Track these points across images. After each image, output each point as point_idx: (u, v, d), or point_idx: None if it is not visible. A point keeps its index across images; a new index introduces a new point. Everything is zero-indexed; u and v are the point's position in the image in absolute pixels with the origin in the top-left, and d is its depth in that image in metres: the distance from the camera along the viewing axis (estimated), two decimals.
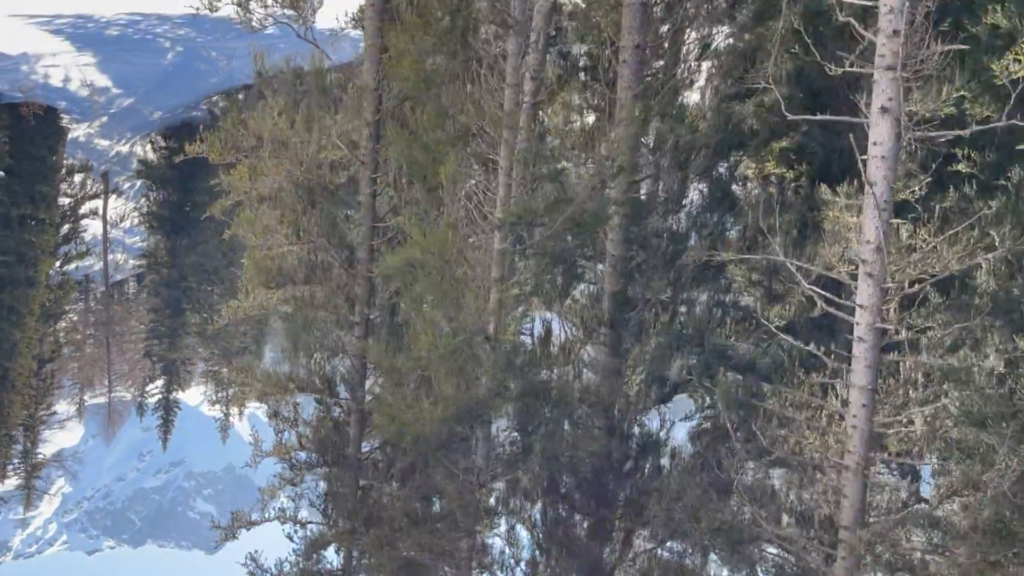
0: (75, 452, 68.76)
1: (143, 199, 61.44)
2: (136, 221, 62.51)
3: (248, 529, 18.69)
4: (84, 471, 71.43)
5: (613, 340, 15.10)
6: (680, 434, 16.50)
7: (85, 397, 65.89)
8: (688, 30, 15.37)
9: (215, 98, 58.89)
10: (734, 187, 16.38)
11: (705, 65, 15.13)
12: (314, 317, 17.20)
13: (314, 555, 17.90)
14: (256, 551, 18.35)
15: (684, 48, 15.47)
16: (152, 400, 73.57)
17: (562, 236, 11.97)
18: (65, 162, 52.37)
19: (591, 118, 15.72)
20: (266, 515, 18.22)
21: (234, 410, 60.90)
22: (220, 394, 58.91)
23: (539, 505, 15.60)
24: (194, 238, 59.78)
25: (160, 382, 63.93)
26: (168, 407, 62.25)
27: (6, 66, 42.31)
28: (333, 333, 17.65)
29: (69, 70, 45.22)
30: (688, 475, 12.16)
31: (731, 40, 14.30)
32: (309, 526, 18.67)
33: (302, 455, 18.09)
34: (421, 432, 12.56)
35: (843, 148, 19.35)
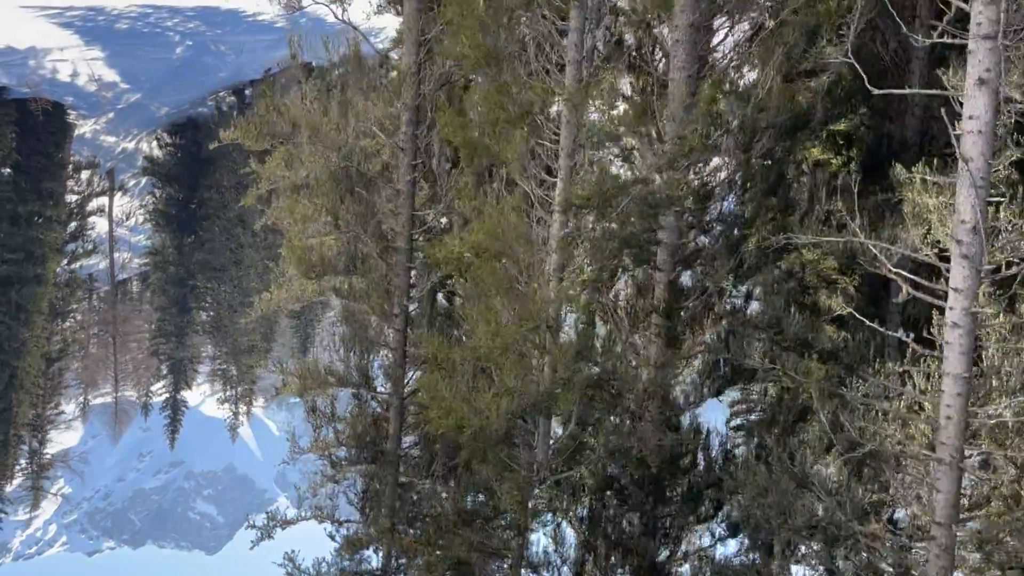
0: (80, 453, 68.19)
1: (149, 196, 60.81)
2: (141, 219, 61.86)
3: (283, 528, 18.09)
4: (84, 472, 70.77)
5: (667, 330, 14.50)
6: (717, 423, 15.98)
7: (88, 397, 65.30)
8: (743, 7, 14.78)
9: (222, 93, 58.38)
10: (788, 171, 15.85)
11: (761, 43, 14.52)
12: (355, 309, 16.60)
13: (353, 554, 17.31)
14: (293, 551, 17.74)
15: (739, 25, 14.88)
16: (158, 400, 73.01)
17: (630, 220, 11.40)
18: (71, 159, 51.77)
19: (622, 102, 15.16)
20: (302, 514, 17.60)
21: (242, 409, 60.32)
22: (229, 393, 58.23)
23: (586, 501, 14.99)
24: (200, 236, 59.18)
25: (165, 381, 63.35)
26: (176, 406, 61.64)
27: (14, 60, 41.71)
28: (372, 325, 17.06)
29: (77, 65, 44.62)
30: (765, 469, 11.55)
31: (792, 15, 13.68)
32: (347, 524, 18.09)
33: (341, 452, 17.50)
34: (482, 426, 11.98)
35: (891, 134, 18.82)
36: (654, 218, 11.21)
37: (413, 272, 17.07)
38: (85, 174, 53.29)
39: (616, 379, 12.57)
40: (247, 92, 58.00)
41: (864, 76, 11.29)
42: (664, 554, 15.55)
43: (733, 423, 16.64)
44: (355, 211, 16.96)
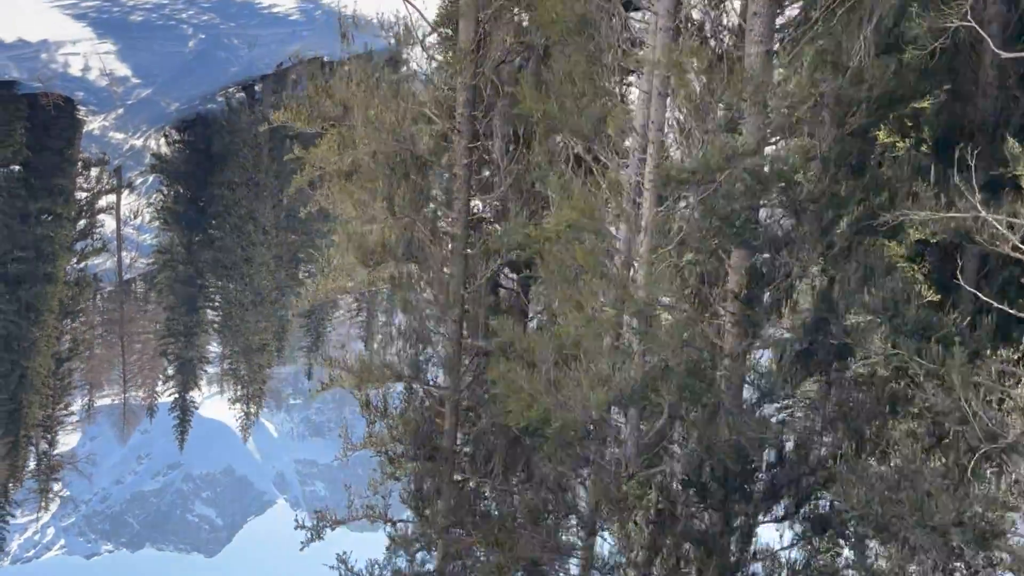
0: (87, 455, 67.43)
1: (157, 194, 59.99)
2: (148, 218, 61.05)
3: (333, 528, 17.33)
4: (92, 474, 69.95)
5: (745, 318, 13.74)
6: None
7: (92, 398, 64.49)
8: None
9: (231, 89, 57.59)
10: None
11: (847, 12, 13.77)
12: (411, 299, 15.84)
13: (411, 555, 16.54)
14: (344, 552, 16.99)
15: None
16: (163, 401, 72.36)
17: (735, 196, 10.66)
18: (80, 156, 50.93)
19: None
20: (353, 513, 16.84)
21: (251, 409, 59.49)
22: (240, 392, 57.40)
23: (653, 498, 14.19)
24: (210, 234, 58.36)
25: (173, 382, 62.48)
26: (184, 407, 60.78)
27: (26, 54, 40.89)
28: (429, 316, 16.29)
29: (89, 58, 43.80)
30: (875, 463, 10.82)
31: None
32: (400, 524, 17.32)
33: (397, 448, 16.74)
34: (568, 418, 11.22)
35: (962, 113, 18.08)
36: (762, 194, 10.46)
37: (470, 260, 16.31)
38: (94, 171, 52.42)
39: (710, 368, 11.82)
40: (257, 88, 57.26)
41: (988, 38, 10.59)
42: (737, 554, 14.84)
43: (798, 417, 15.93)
44: (410, 197, 16.19)
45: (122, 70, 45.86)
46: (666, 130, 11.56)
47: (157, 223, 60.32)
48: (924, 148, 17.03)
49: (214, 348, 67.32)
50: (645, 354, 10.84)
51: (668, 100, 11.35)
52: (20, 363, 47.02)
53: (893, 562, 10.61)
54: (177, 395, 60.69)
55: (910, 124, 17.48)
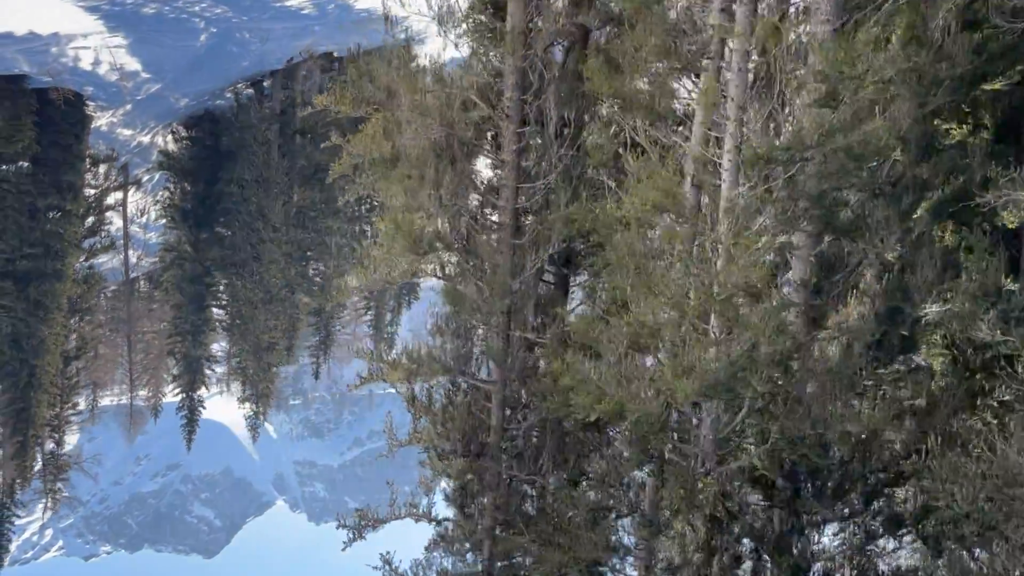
0: (94, 455, 66.71)
1: (164, 192, 59.36)
2: (155, 215, 60.40)
3: (375, 529, 16.73)
4: (98, 474, 69.24)
5: (813, 307, 13.16)
6: None
7: (96, 398, 63.80)
8: None
9: (240, 85, 57.03)
10: None
11: None
12: (462, 289, 15.24)
13: (454, 555, 15.94)
14: (388, 552, 16.39)
15: None
16: (167, 401, 71.68)
17: (824, 176, 10.09)
18: (88, 152, 50.33)
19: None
20: (396, 511, 16.23)
21: (261, 408, 58.87)
22: (249, 391, 56.79)
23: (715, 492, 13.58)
24: (218, 232, 57.77)
25: (180, 381, 61.81)
26: (192, 406, 60.07)
27: (36, 47, 40.28)
28: (476, 308, 15.68)
29: (99, 53, 43.19)
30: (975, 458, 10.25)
31: None
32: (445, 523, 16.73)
33: (441, 445, 16.13)
34: (645, 411, 10.64)
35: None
36: (855, 174, 9.90)
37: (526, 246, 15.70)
38: (102, 168, 51.81)
39: (792, 358, 11.24)
40: (266, 84, 56.68)
41: None
42: (803, 552, 14.27)
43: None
44: (457, 184, 15.59)
45: (132, 64, 45.26)
46: (746, 107, 10.98)
47: (163, 221, 59.66)
48: (985, 134, 16.48)
49: (217, 347, 66.72)
50: (731, 342, 10.26)
51: (747, 77, 10.77)
52: (29, 361, 46.41)
53: (997, 563, 10.03)
54: (184, 394, 60.00)
55: (968, 109, 16.92)
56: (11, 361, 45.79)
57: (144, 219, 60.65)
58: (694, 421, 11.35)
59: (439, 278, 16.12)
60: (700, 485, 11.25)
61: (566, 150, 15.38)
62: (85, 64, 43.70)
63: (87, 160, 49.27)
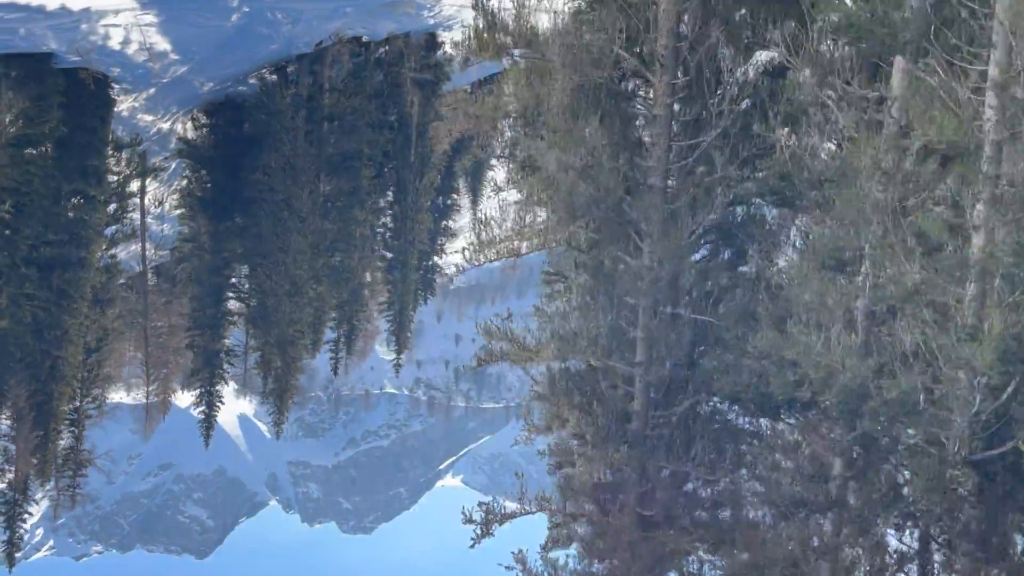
0: (107, 451, 64.87)
1: (183, 180, 57.63)
2: (172, 206, 58.65)
3: (500, 524, 15.21)
4: (111, 471, 67.41)
5: None
6: None
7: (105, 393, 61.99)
8: None
9: (264, 71, 55.43)
10: None
11: None
12: (600, 261, 13.74)
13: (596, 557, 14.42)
14: (520, 550, 14.86)
15: None
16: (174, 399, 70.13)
17: None
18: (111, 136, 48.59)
19: None
20: (525, 507, 14.72)
21: (286, 403, 57.04)
22: (273, 385, 55.07)
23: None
24: (238, 222, 56.08)
25: (193, 376, 60.02)
26: (211, 401, 58.33)
27: (65, 24, 38.64)
28: (624, 281, 14.17)
29: (130, 31, 41.54)
30: None
31: None
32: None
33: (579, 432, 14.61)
34: (890, 394, 9.14)
35: None
36: None
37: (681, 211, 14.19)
38: (124, 154, 50.11)
39: None
40: (290, 70, 55.03)
41: None
42: None
43: None
44: (607, 141, 14.08)
45: (162, 44, 43.65)
46: None
47: (181, 211, 57.94)
48: None
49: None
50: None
51: None
52: (51, 352, 44.65)
53: None
54: (202, 389, 58.24)
55: None
56: (33, 352, 44.02)
57: (160, 209, 58.92)
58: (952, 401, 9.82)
59: (580, 250, 14.60)
60: (951, 474, 9.77)
61: (730, 105, 13.87)
62: (114, 43, 42.06)
63: (111, 145, 47.53)
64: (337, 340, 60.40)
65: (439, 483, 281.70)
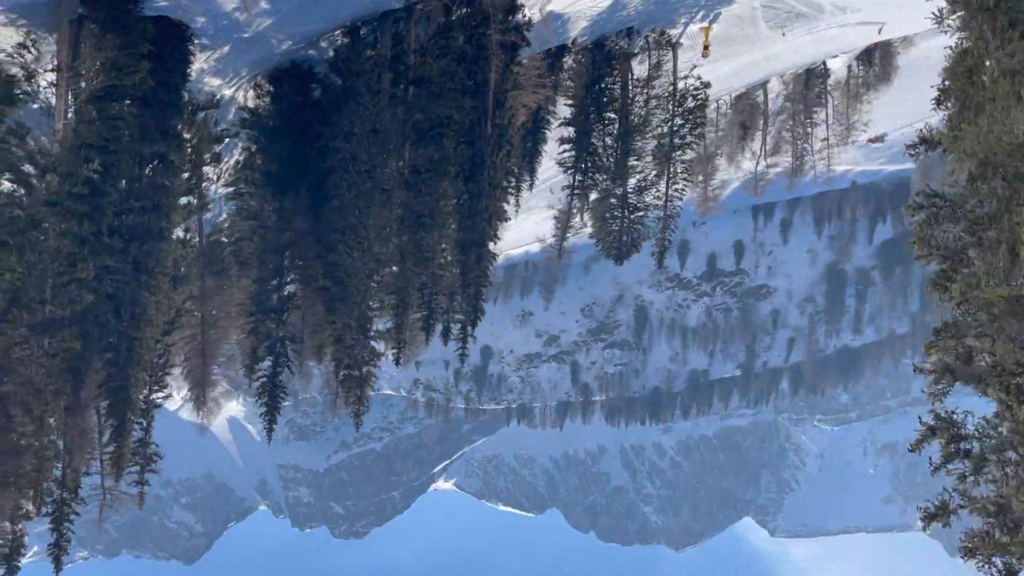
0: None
1: (243, 153, 53.28)
2: (231, 179, 54.20)
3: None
4: (161, 467, 62.60)
5: None
6: None
7: None
8: None
9: (336, 34, 51.24)
10: None
11: None
12: None
13: None
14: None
15: None
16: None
17: None
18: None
19: None
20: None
21: (365, 393, 52.61)
22: (353, 373, 50.64)
23: None
24: (304, 196, 51.79)
25: (256, 365, 55.60)
26: (274, 392, 53.96)
27: None
28: None
29: None
30: None
31: None
32: None
33: None
34: None
35: None
36: None
37: None
38: (200, 116, 45.65)
39: None
40: (362, 32, 50.82)
41: None
42: None
43: None
44: None
45: None
46: None
47: (231, 188, 53.57)
48: None
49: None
50: None
51: None
52: (128, 333, 40.21)
53: None
54: (266, 379, 53.83)
55: None
56: (110, 332, 39.59)
57: (216, 185, 54.50)
58: None
59: None
60: None
61: None
62: None
63: (189, 106, 43.12)
64: (400, 327, 55.81)
65: (433, 486, 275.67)
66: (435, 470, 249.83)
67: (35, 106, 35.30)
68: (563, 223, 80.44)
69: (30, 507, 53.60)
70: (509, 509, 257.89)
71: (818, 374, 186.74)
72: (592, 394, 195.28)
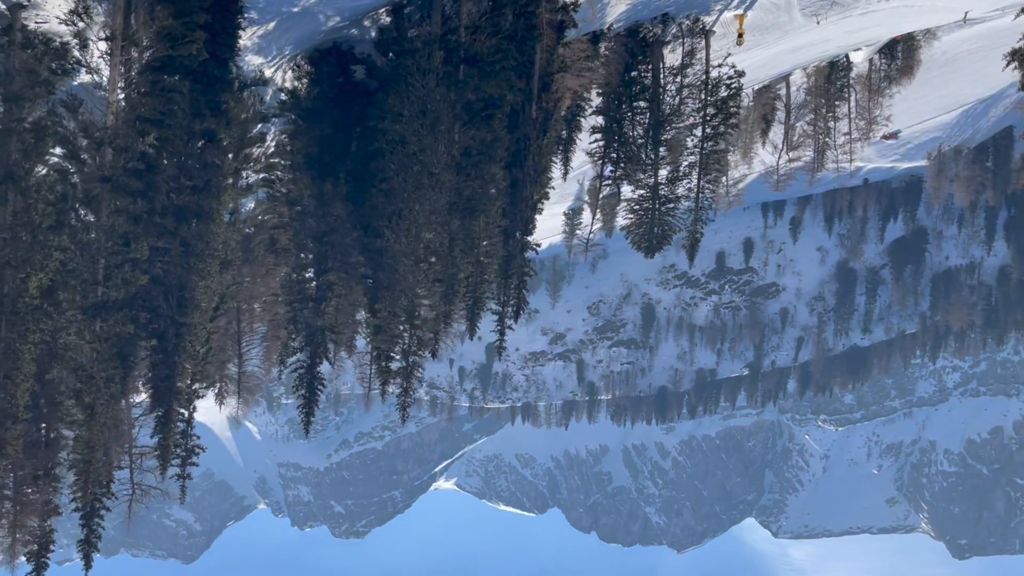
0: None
1: (282, 135, 51.34)
2: (263, 163, 52.22)
3: None
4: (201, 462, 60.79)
5: None
6: None
7: None
8: None
9: (382, 11, 49.48)
10: None
11: None
12: None
13: None
14: None
15: None
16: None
17: None
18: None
19: None
20: None
21: (411, 385, 50.73)
22: (399, 365, 48.77)
23: None
24: (339, 182, 49.93)
25: (295, 355, 53.74)
26: (312, 384, 52.11)
27: None
28: None
29: None
30: None
31: None
32: None
33: None
34: None
35: None
36: None
37: None
38: (246, 94, 43.73)
39: None
40: (407, 11, 49.02)
41: None
42: None
43: None
44: None
45: None
46: None
47: (277, 172, 51.63)
48: None
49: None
50: None
51: None
52: (176, 319, 38.29)
53: None
54: (304, 370, 51.94)
55: None
56: (158, 316, 37.67)
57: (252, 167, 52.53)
58: None
59: None
60: None
61: None
62: None
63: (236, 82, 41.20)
64: (447, 316, 53.84)
65: (434, 486, 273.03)
66: (436, 469, 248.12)
67: (87, 77, 33.41)
68: (592, 214, 78.83)
69: (61, 501, 51.75)
70: (510, 509, 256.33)
71: (827, 374, 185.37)
72: (598, 393, 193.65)
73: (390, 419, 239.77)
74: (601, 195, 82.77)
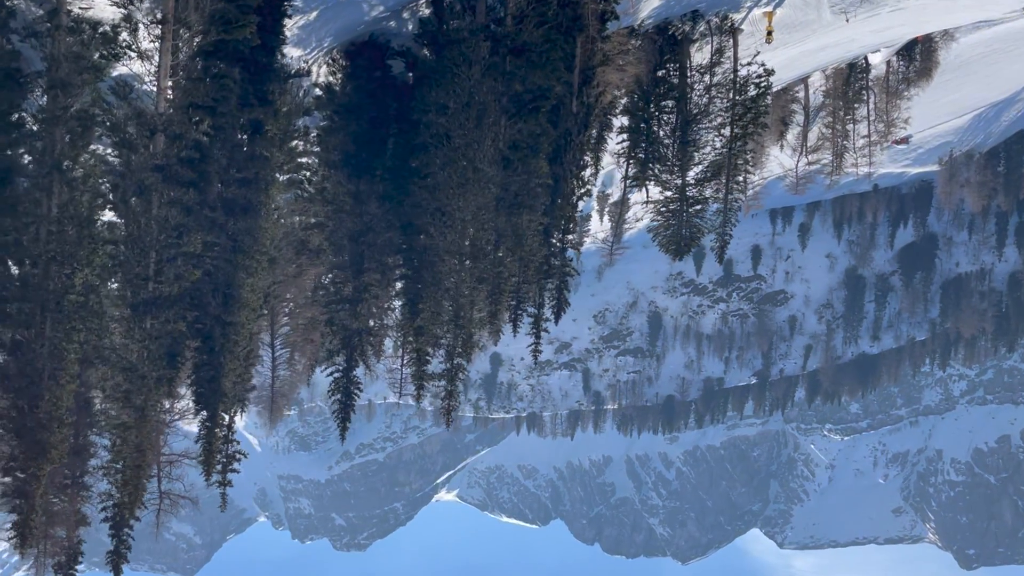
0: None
1: (318, 132, 49.72)
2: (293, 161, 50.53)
3: None
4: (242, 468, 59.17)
5: None
6: None
7: None
8: None
9: (422, 2, 48.03)
10: None
11: None
12: None
13: None
14: None
15: None
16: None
17: None
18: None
19: None
20: None
21: (459, 389, 48.95)
22: (448, 367, 46.98)
23: None
24: (378, 180, 48.36)
25: (330, 358, 52.08)
26: (348, 389, 50.37)
27: None
28: None
29: None
30: None
31: None
32: None
33: None
34: None
35: None
36: None
37: None
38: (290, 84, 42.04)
39: None
40: (448, 2, 47.51)
41: None
42: None
43: None
44: None
45: None
46: None
47: (306, 172, 49.97)
48: None
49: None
50: None
51: None
52: (223, 317, 36.57)
53: None
54: (340, 374, 50.25)
55: None
56: (205, 314, 35.94)
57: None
58: None
59: None
60: None
61: None
62: None
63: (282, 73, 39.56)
64: (494, 316, 51.95)
65: (436, 498, 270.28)
66: (438, 481, 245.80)
67: (137, 62, 31.74)
68: (618, 216, 77.18)
69: (88, 511, 49.80)
70: (513, 520, 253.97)
71: (836, 382, 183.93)
72: (604, 402, 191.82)
73: (392, 430, 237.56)
74: (610, 201, 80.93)
